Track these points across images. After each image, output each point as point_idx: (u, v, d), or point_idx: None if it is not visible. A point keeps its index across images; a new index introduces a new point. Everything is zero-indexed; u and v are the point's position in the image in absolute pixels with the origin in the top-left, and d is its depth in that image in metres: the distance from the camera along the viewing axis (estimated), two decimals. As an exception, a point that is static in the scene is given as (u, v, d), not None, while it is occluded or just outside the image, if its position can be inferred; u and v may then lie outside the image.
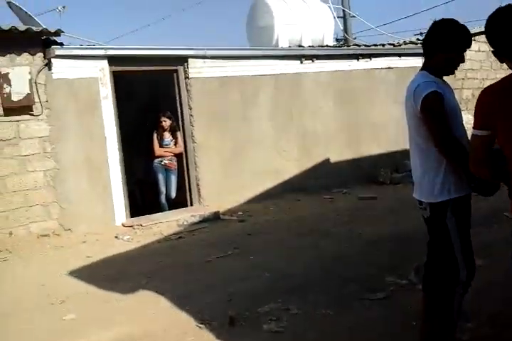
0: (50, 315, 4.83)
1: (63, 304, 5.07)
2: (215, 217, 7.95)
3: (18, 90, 6.93)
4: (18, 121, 7.14)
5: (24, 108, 7.13)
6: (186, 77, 8.56)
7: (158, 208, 8.68)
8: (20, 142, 7.17)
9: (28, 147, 7.20)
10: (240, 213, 8.13)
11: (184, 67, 8.52)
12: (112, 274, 5.76)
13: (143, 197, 9.97)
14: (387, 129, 10.66)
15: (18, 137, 7.15)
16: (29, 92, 7.02)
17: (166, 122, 8.65)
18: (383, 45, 11.54)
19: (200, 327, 4.16)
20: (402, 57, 11.09)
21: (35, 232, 7.37)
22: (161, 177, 8.85)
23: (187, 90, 8.60)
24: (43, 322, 4.68)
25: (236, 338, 3.90)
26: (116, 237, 7.29)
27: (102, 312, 4.73)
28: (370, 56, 10.75)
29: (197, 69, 8.61)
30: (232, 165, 8.99)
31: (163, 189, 8.86)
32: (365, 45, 11.67)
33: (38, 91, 7.20)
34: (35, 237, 7.32)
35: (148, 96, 10.40)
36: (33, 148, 7.24)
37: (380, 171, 10.19)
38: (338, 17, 14.00)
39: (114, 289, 5.26)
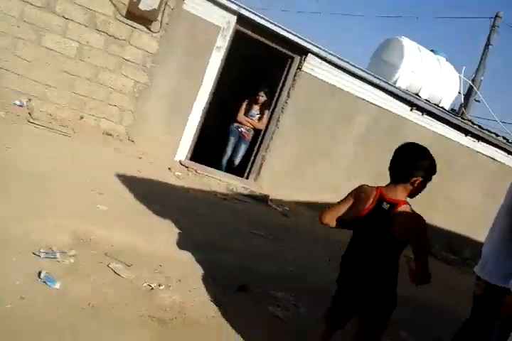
0: (86, 198, 4.96)
1: (101, 195, 5.19)
2: (263, 199, 7.89)
3: (148, 2, 7.13)
4: (134, 28, 7.32)
5: (145, 20, 7.29)
6: (299, 68, 8.54)
7: (215, 166, 8.73)
8: (127, 46, 7.37)
9: (131, 54, 7.38)
10: (286, 208, 8.04)
11: (301, 59, 8.50)
12: (151, 195, 5.84)
13: (205, 152, 10.06)
14: (463, 211, 10.33)
15: (127, 41, 7.34)
16: (156, 8, 7.17)
17: (262, 97, 8.72)
18: (497, 135, 11.11)
19: (208, 279, 4.14)
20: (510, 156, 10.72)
21: (102, 128, 7.57)
22: (232, 140, 8.92)
23: (293, 80, 8.60)
24: (77, 200, 4.81)
25: (239, 302, 3.85)
26: (169, 169, 7.39)
27: (130, 218, 4.81)
28: (479, 138, 10.38)
29: (311, 66, 8.56)
30: (299, 166, 8.88)
31: (229, 152, 8.93)
32: (480, 126, 11.29)
33: (163, 12, 7.36)
34: (101, 132, 7.52)
35: (247, 69, 10.49)
36: (135, 57, 7.43)
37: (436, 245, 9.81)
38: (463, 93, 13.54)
39: (147, 205, 5.34)
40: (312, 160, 9.00)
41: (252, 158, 8.80)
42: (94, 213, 4.68)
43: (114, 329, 2.99)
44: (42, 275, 3.29)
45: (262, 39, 8.32)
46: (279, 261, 5.25)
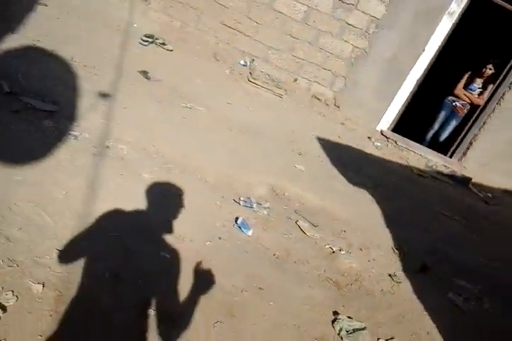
0: (286, 157, 5.25)
1: (300, 156, 5.45)
2: (464, 181, 7.23)
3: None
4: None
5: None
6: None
7: (418, 141, 8.27)
8: (354, 11, 7.16)
9: (356, 19, 7.17)
10: (489, 195, 7.24)
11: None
12: (347, 161, 5.88)
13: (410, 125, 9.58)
14: None
15: (355, 5, 7.15)
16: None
17: (490, 70, 7.69)
18: None
19: (390, 253, 4.06)
20: None
21: (312, 92, 7.76)
22: (442, 114, 8.22)
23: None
24: (279, 157, 5.13)
25: (419, 282, 3.70)
26: (369, 138, 7.28)
27: (324, 181, 4.94)
28: None
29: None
30: None
31: (436, 126, 8.31)
32: None
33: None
34: (310, 95, 7.74)
35: (479, 38, 9.25)
36: (359, 22, 7.20)
37: None
38: None
39: (341, 171, 5.40)
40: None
41: (462, 135, 8.03)
42: (291, 171, 4.95)
43: (294, 283, 3.19)
44: (239, 221, 3.66)
45: (505, 4, 7.31)
46: (469, 249, 4.83)
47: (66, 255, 2.70)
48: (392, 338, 2.98)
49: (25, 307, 2.29)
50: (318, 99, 7.81)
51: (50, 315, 2.29)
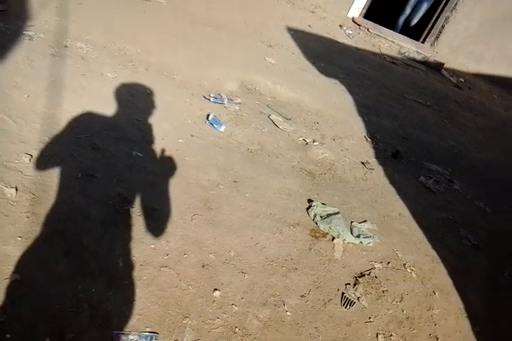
0: (256, 50, 5.04)
1: (270, 48, 5.22)
2: (437, 67, 7.17)
3: None
4: None
5: None
6: None
7: (390, 27, 7.95)
8: None
9: None
10: (461, 79, 7.23)
11: None
12: (319, 52, 5.67)
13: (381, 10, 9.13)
14: None
15: None
16: None
17: None
18: None
19: (363, 141, 4.12)
20: None
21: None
22: (413, -1, 7.86)
23: None
24: (248, 51, 4.91)
25: (391, 167, 3.82)
26: (340, 26, 6.97)
27: (295, 74, 4.81)
28: None
29: None
30: (488, 34, 7.50)
31: (408, 10, 7.93)
32: None
33: None
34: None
35: None
36: None
37: None
38: None
39: (312, 62, 5.24)
40: (505, 28, 7.60)
41: (434, 19, 7.75)
42: (261, 65, 4.78)
43: (269, 175, 3.25)
44: (210, 118, 3.60)
45: None
46: (441, 133, 4.95)
47: (39, 161, 2.64)
48: (364, 221, 3.14)
49: (1, 211, 2.29)
50: (287, -15, 7.29)
51: (27, 217, 2.31)
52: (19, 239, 2.20)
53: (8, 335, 1.85)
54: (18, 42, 3.70)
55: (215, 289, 2.34)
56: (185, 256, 2.44)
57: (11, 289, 2.01)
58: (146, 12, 5.01)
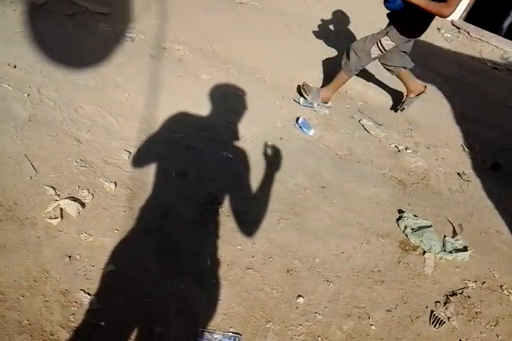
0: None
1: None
2: (545, 74, 6.60)
3: None
4: None
5: None
6: None
7: (493, 30, 7.45)
8: None
9: None
10: None
11: None
12: (414, 56, 5.43)
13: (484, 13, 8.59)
14: None
15: None
16: None
17: None
18: None
19: (460, 151, 3.87)
20: None
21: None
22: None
23: None
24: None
25: (489, 180, 3.56)
26: (438, 29, 6.64)
27: (388, 78, 4.65)
28: None
29: None
30: None
31: (514, 13, 7.43)
32: None
33: None
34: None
35: None
36: None
37: None
38: None
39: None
40: None
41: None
42: (353, 69, 4.67)
43: (358, 182, 3.16)
44: (300, 121, 3.57)
45: None
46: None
47: (137, 157, 2.77)
48: (457, 234, 2.95)
49: (101, 204, 2.42)
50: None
51: (124, 211, 2.42)
52: (116, 231, 2.31)
53: (102, 323, 1.95)
54: (120, 44, 3.92)
55: (299, 295, 2.31)
56: (271, 259, 2.44)
57: (106, 279, 2.12)
58: (241, 15, 5.10)
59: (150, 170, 2.72)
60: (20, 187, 2.37)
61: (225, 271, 2.30)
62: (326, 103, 3.91)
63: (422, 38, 6.12)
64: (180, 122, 3.20)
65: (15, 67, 3.24)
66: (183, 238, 2.39)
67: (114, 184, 2.54)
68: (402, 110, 4.06)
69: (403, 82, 3.96)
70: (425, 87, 4.00)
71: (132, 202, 2.49)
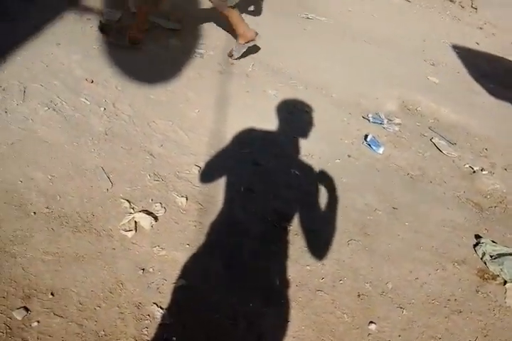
0: (418, 68, 4.81)
1: (433, 67, 4.94)
2: None
3: None
4: None
5: None
6: None
7: None
8: None
9: None
10: None
11: None
12: (489, 72, 5.21)
13: None
14: None
15: None
16: None
17: None
18: None
19: None
20: None
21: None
22: None
23: None
24: (409, 69, 4.72)
25: None
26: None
27: (461, 95, 4.48)
28: None
29: None
30: None
31: None
32: None
33: None
34: (443, -2, 6.87)
35: None
36: None
37: None
38: None
39: (481, 83, 4.83)
40: None
41: None
42: (424, 84, 4.54)
43: (430, 203, 3.03)
44: (368, 139, 3.49)
45: None
46: None
47: (206, 173, 2.80)
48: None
49: (173, 218, 2.45)
50: (452, 1, 6.94)
51: (195, 226, 2.44)
52: (187, 246, 2.33)
53: (174, 338, 1.95)
54: (190, 60, 4.01)
55: (371, 322, 2.22)
56: (341, 282, 2.36)
57: (177, 293, 2.13)
58: (307, 30, 5.10)
59: (219, 185, 2.73)
60: (97, 199, 2.44)
61: (294, 291, 2.26)
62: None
63: (495, 52, 5.93)
64: (248, 137, 3.21)
65: (92, 81, 3.38)
66: (252, 255, 2.37)
67: (185, 198, 2.57)
68: (234, 59, 3.96)
69: (231, 24, 3.82)
70: (257, 34, 3.83)
71: (202, 216, 2.50)
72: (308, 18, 5.49)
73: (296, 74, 4.17)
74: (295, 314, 2.17)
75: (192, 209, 2.53)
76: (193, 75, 3.78)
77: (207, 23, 4.64)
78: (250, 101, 3.61)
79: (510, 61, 5.82)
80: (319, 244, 2.52)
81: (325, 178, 3.00)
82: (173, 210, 2.49)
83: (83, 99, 3.16)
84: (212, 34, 4.46)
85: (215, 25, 4.64)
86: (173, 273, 2.20)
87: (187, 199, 2.57)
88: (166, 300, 2.09)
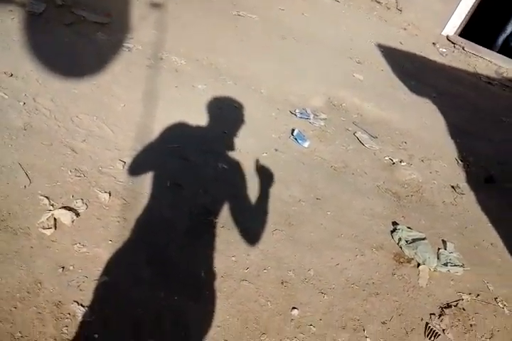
0: (344, 65, 4.98)
1: (358, 64, 5.13)
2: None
3: None
4: None
5: None
6: None
7: (487, 46, 7.55)
8: None
9: None
10: None
11: None
12: (410, 70, 5.50)
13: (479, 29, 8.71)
14: None
15: None
16: None
17: None
18: None
19: (454, 164, 3.89)
20: None
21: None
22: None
23: None
24: (335, 66, 4.87)
25: (483, 193, 3.58)
26: (433, 44, 6.73)
27: (384, 91, 4.69)
28: None
29: None
30: None
31: (509, 29, 7.52)
32: None
33: None
34: (369, -1, 7.14)
35: None
36: None
37: None
38: None
39: (402, 80, 5.09)
40: None
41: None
42: (349, 81, 4.72)
43: (352, 194, 3.16)
44: (295, 133, 3.58)
45: None
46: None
47: (132, 168, 2.77)
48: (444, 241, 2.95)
49: (95, 214, 2.41)
50: (379, 2, 7.21)
51: (118, 222, 2.41)
52: (110, 242, 2.30)
53: (96, 335, 1.93)
54: (118, 54, 3.94)
55: (294, 307, 2.29)
56: (265, 271, 2.42)
57: (99, 290, 2.10)
58: (238, 27, 5.14)
59: (144, 181, 2.71)
60: (14, 197, 2.36)
61: (219, 282, 2.29)
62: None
63: (417, 52, 6.25)
64: (176, 132, 3.20)
65: (11, 75, 3.25)
66: (177, 249, 2.38)
67: (108, 194, 2.53)
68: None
69: None
70: None
71: (126, 212, 2.48)
72: (239, 15, 5.54)
73: (225, 70, 4.20)
74: (220, 304, 2.20)
75: (115, 204, 2.50)
76: (119, 70, 3.71)
77: (136, 17, 4.57)
78: (179, 96, 3.60)
79: (430, 60, 6.15)
80: (247, 235, 2.56)
81: (252, 172, 3.06)
82: (95, 206, 2.45)
83: (1, 94, 3.03)
84: (140, 28, 4.40)
85: (144, 19, 4.58)
86: (95, 270, 2.16)
87: (110, 194, 2.53)
88: (87, 297, 2.05)
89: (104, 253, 2.24)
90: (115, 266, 2.21)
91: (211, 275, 2.31)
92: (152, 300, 2.12)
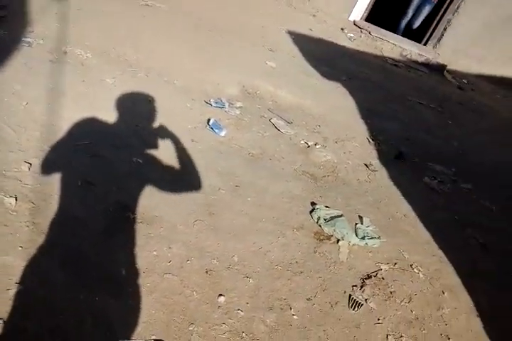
0: (256, 54, 5.03)
1: (271, 52, 5.21)
2: (439, 69, 7.11)
3: None
4: None
5: None
6: None
7: (392, 30, 7.94)
8: None
9: None
10: (464, 81, 7.16)
11: None
12: (320, 55, 5.65)
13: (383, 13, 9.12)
14: None
15: None
16: None
17: None
18: None
19: (366, 144, 4.06)
20: None
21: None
22: (415, 1, 7.82)
23: None
24: (248, 54, 4.90)
25: (395, 169, 3.78)
26: (341, 29, 6.96)
27: (296, 78, 4.79)
28: None
29: None
30: (491, 35, 7.43)
31: (410, 13, 7.92)
32: None
33: None
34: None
35: None
36: None
37: None
38: None
39: (314, 66, 5.22)
40: (508, 29, 7.54)
41: (436, 21, 7.72)
42: (262, 69, 4.76)
43: (270, 178, 3.22)
44: (210, 123, 3.57)
45: None
46: (444, 134, 4.90)
47: (38, 169, 2.63)
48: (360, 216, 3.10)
49: (1, 220, 2.27)
50: (287, -11, 7.31)
51: (27, 227, 2.28)
52: (20, 248, 2.17)
53: (10, 347, 1.82)
54: (17, 49, 3.71)
55: (220, 295, 2.30)
56: (189, 262, 2.41)
57: (13, 300, 1.98)
58: (146, 17, 5.02)
59: (54, 181, 2.59)
60: None
61: (141, 278, 2.24)
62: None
63: (327, 37, 6.44)
64: (85, 129, 3.08)
65: None
66: (93, 249, 2.29)
67: (14, 198, 2.38)
68: None
69: None
70: None
71: (36, 216, 2.35)
72: (147, 5, 5.40)
73: (136, 62, 4.08)
74: (144, 300, 2.16)
75: (23, 209, 2.36)
76: (20, 66, 3.49)
77: (35, 10, 4.32)
78: (87, 92, 3.45)
79: (339, 45, 6.37)
80: (162, 228, 2.53)
81: (169, 164, 3.01)
82: (0, 213, 2.30)
83: None
84: (41, 21, 4.16)
85: (44, 11, 4.34)
86: (6, 279, 2.04)
87: (16, 199, 2.39)
88: (1, 309, 1.93)
89: (16, 261, 2.12)
90: (29, 273, 2.10)
91: (133, 272, 2.26)
92: (71, 304, 2.04)
